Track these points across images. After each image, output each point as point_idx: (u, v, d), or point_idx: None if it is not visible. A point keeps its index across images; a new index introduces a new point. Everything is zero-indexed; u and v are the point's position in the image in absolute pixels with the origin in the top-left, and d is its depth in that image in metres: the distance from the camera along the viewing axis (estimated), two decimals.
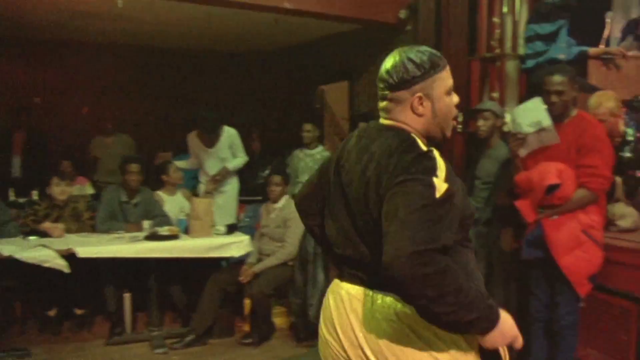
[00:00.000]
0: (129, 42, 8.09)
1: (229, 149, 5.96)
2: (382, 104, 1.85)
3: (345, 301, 1.83)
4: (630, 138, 3.95)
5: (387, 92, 1.82)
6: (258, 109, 8.83)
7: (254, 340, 4.77)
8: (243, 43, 8.24)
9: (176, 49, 8.51)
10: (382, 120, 1.86)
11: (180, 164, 5.91)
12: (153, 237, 4.75)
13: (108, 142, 7.09)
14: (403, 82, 1.78)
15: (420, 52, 1.80)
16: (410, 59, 1.78)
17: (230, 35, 7.59)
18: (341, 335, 1.84)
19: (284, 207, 4.97)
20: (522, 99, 4.87)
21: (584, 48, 4.92)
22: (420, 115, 1.80)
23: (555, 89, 3.40)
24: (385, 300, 1.74)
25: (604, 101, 3.87)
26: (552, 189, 3.31)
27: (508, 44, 5.21)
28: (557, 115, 3.44)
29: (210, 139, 5.91)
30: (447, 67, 1.82)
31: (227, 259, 5.09)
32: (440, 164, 1.67)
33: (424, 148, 1.70)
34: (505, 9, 5.19)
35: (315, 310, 4.61)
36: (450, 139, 5.88)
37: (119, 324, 4.88)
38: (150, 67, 8.47)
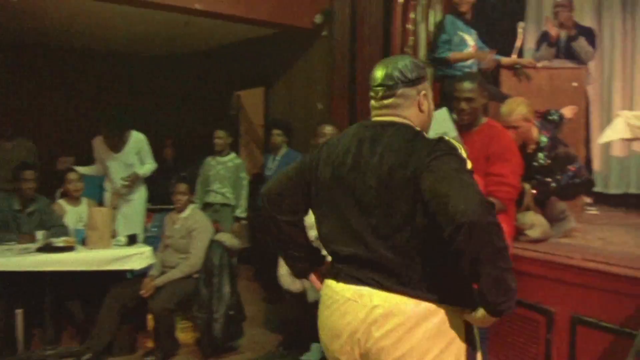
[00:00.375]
0: (33, 41, 7.65)
1: (137, 155, 5.63)
2: (387, 101, 1.96)
3: (353, 303, 1.84)
4: (544, 144, 3.92)
5: (397, 89, 1.95)
6: (172, 115, 8.52)
7: (157, 357, 4.49)
8: (155, 46, 7.95)
9: (85, 50, 8.12)
10: (383, 118, 1.98)
11: (83, 169, 5.55)
12: (46, 248, 4.40)
13: (7, 147, 6.63)
14: (418, 78, 1.97)
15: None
16: (413, 61, 2.01)
17: (141, 37, 7.30)
18: (353, 338, 1.85)
19: (189, 216, 4.72)
20: (436, 107, 4.83)
21: (497, 57, 4.93)
22: (422, 112, 2.00)
23: (465, 95, 3.34)
24: (402, 299, 1.78)
25: (516, 107, 3.84)
26: None
27: (422, 51, 5.17)
28: (467, 123, 3.37)
29: (117, 143, 5.57)
30: None
31: (132, 272, 4.79)
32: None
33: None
34: (419, 17, 5.15)
35: (221, 325, 4.38)
36: None
37: (10, 342, 4.49)
38: (57, 68, 8.04)
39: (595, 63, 6.06)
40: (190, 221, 4.67)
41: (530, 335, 3.31)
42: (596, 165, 6.19)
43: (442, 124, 3.34)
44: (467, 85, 3.35)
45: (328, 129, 4.60)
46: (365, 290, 1.83)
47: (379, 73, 2.00)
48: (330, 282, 1.96)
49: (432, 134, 3.39)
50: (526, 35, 6.17)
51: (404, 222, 1.78)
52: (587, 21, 6.16)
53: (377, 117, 1.99)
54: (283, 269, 4.19)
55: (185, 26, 6.20)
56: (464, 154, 1.82)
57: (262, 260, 5.81)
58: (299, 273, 2.24)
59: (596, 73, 6.19)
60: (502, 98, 4.64)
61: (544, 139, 3.93)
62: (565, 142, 4.09)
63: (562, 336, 3.14)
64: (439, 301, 1.78)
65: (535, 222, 3.76)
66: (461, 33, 4.85)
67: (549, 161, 3.89)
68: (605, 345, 3.01)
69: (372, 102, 2.02)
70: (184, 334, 4.83)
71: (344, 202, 1.90)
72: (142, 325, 4.78)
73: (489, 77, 4.95)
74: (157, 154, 5.90)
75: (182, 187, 4.77)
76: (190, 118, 8.46)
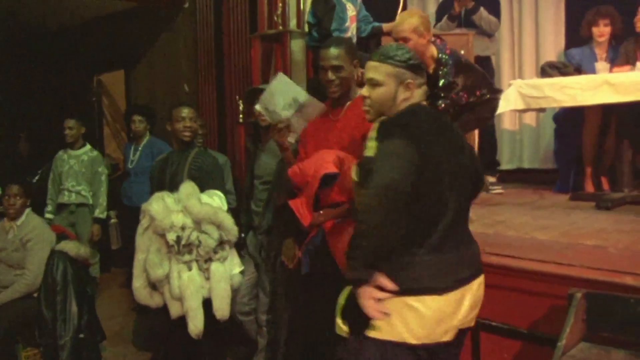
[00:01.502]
0: None
1: None
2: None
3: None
4: (448, 61, 3.43)
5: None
6: (26, 105, 7.54)
7: None
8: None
9: None
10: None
11: None
12: None
13: None
14: None
15: None
16: None
17: None
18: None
19: (23, 224, 3.96)
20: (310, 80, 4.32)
21: (377, 24, 4.46)
22: None
23: (331, 63, 2.81)
24: None
25: (408, 17, 3.33)
26: (329, 180, 2.68)
27: (292, 20, 4.62)
28: (338, 96, 2.85)
29: None
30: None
31: None
32: None
33: None
34: None
35: (68, 352, 3.67)
36: (230, 131, 5.28)
37: None
38: None
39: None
40: (25, 230, 3.92)
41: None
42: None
43: (287, 91, 2.82)
44: (333, 51, 2.82)
45: (185, 112, 3.94)
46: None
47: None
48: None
49: (281, 102, 2.89)
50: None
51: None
52: None
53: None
54: (138, 281, 3.52)
55: None
56: None
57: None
58: None
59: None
60: None
61: (444, 56, 3.45)
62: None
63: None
64: None
65: None
66: (344, 0, 4.32)
67: (456, 79, 3.43)
68: (513, 353, 2.61)
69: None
70: None
71: (465, 182, 2.15)
72: None
73: (371, 47, 4.50)
74: (11, 150, 5.08)
75: (15, 189, 4.00)
76: (47, 108, 7.52)
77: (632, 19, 4.55)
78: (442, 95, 3.45)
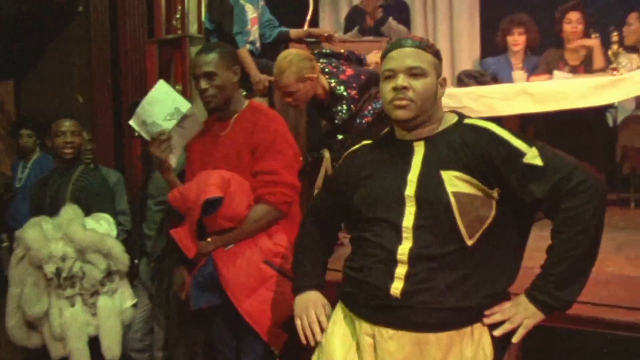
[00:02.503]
0: None
1: None
2: None
3: None
4: (343, 93, 3.18)
5: None
6: None
7: None
8: None
9: None
10: None
11: None
12: None
13: None
14: None
15: None
16: None
17: None
18: None
19: None
20: None
21: (284, 29, 4.19)
22: None
23: (203, 70, 2.45)
24: None
25: (286, 67, 3.03)
26: (213, 205, 2.37)
27: (193, 25, 4.29)
28: (214, 107, 2.52)
29: None
30: (390, 53, 1.80)
31: None
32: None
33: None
34: None
35: None
36: (127, 146, 4.89)
37: None
38: None
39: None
40: None
41: None
42: None
43: (167, 100, 2.49)
44: (204, 57, 2.46)
45: (66, 125, 3.52)
46: None
47: None
48: None
49: (161, 112, 2.54)
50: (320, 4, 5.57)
51: None
52: None
53: None
54: (13, 320, 3.09)
55: None
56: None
57: None
58: None
59: None
60: None
61: (339, 88, 3.18)
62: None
63: None
64: None
65: None
66: (242, 1, 4.00)
67: (346, 115, 3.20)
68: None
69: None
70: None
71: None
72: None
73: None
74: None
75: None
76: None
77: (548, 27, 4.52)
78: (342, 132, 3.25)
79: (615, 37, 4.43)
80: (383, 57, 1.83)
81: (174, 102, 2.48)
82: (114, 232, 3.20)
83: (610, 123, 4.46)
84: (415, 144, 1.80)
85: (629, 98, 3.96)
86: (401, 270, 1.68)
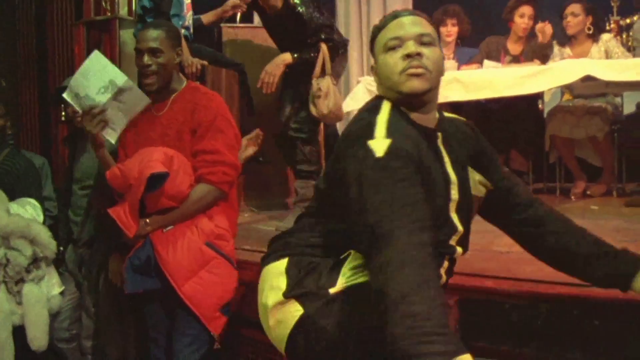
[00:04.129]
0: None
1: None
2: None
3: None
4: None
5: None
6: None
7: None
8: None
9: None
10: None
11: None
12: None
13: None
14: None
15: None
16: None
17: None
18: None
19: None
20: None
21: (197, 17, 4.09)
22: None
23: (149, 45, 2.42)
24: None
25: None
26: (157, 182, 2.30)
27: (123, 8, 4.15)
28: (155, 86, 2.46)
29: None
30: (390, 23, 1.59)
31: None
32: None
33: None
34: None
35: None
36: (54, 130, 4.71)
37: None
38: None
39: None
40: None
41: None
42: None
43: (102, 72, 2.38)
44: (151, 32, 2.44)
45: None
46: None
47: None
48: None
49: (95, 85, 2.43)
50: None
51: None
52: None
53: None
54: None
55: None
56: None
57: None
58: None
59: None
60: (228, 63, 3.86)
61: None
62: None
63: None
64: None
65: None
66: None
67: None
68: None
69: None
70: None
71: None
72: None
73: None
74: None
75: None
76: None
77: (479, 19, 4.63)
78: (323, 36, 3.25)
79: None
80: (378, 31, 1.63)
81: (109, 75, 2.38)
82: (40, 218, 3.11)
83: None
84: (439, 134, 1.61)
85: (558, 88, 4.12)
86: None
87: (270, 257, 1.74)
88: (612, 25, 4.63)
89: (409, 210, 1.33)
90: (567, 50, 4.29)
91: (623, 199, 3.95)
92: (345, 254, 1.56)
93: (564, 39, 4.34)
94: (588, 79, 3.54)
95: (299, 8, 3.26)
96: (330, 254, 1.59)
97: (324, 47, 3.28)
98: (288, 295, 1.58)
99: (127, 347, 2.89)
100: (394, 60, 1.54)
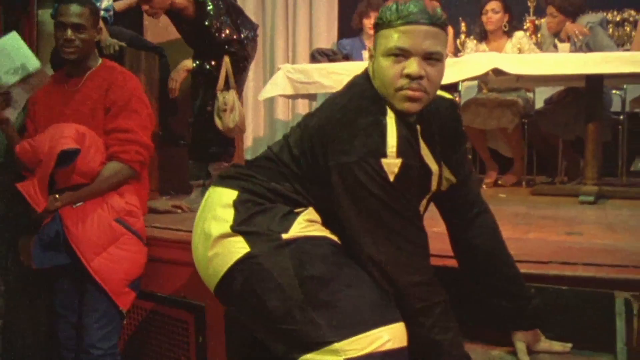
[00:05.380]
0: None
1: None
2: None
3: None
4: None
5: None
6: None
7: None
8: None
9: None
10: None
11: None
12: None
13: None
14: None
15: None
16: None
17: None
18: None
19: None
20: None
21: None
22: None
23: (72, 20, 2.44)
24: None
25: None
26: (68, 158, 2.30)
27: None
28: (75, 60, 2.49)
29: None
30: (402, 27, 1.46)
31: None
32: None
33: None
34: None
35: None
36: None
37: None
38: None
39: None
40: None
41: (178, 340, 2.51)
42: (261, 131, 5.82)
43: (16, 54, 2.37)
44: (75, 8, 2.46)
45: None
46: None
47: None
48: None
49: (5, 65, 2.36)
50: None
51: None
52: None
53: None
54: None
55: None
56: None
57: None
58: None
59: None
60: (147, 47, 3.84)
61: None
62: None
63: (218, 336, 2.39)
64: None
65: None
66: None
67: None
68: None
69: None
70: None
71: None
72: None
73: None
74: None
75: None
76: None
77: None
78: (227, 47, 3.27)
79: (464, 27, 4.77)
80: (385, 26, 1.51)
81: (22, 58, 2.35)
82: None
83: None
84: (418, 127, 1.59)
85: (471, 81, 4.27)
86: None
87: (223, 180, 1.68)
88: (528, 25, 4.86)
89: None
90: (483, 46, 4.47)
91: (531, 189, 4.15)
92: (303, 208, 1.56)
93: (481, 34, 4.52)
94: (500, 73, 3.70)
95: (206, 21, 3.28)
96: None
97: (226, 59, 3.32)
98: (236, 229, 1.53)
99: (38, 324, 2.85)
100: (394, 74, 1.48)
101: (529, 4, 4.83)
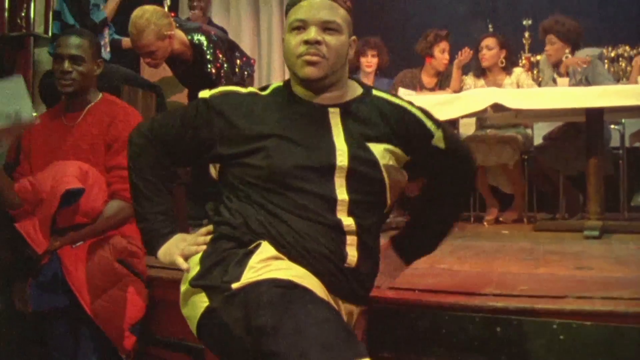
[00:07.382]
0: None
1: None
2: None
3: None
4: (203, 41, 3.27)
5: None
6: None
7: None
8: None
9: None
10: None
11: None
12: None
13: None
14: None
15: None
16: None
17: None
18: None
19: None
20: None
21: (117, 37, 4.05)
22: None
23: (70, 52, 2.40)
24: None
25: (142, 31, 3.06)
26: (71, 198, 2.23)
27: (40, 25, 4.07)
28: (72, 93, 2.44)
29: None
30: (299, 2, 1.59)
31: None
32: None
33: None
34: None
35: None
36: None
37: None
38: None
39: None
40: None
41: None
42: None
43: (16, 98, 2.28)
44: (74, 39, 2.43)
45: None
46: None
47: None
48: None
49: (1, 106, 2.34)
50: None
51: None
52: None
53: None
54: None
55: None
56: None
57: None
58: None
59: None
60: (144, 85, 3.81)
61: (198, 37, 3.26)
62: None
63: None
64: None
65: None
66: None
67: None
68: None
69: None
70: None
71: None
72: None
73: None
74: None
75: None
76: None
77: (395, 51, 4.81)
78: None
79: None
80: (289, 7, 1.63)
81: (19, 105, 2.27)
82: None
83: None
84: (330, 110, 1.63)
85: (469, 117, 4.26)
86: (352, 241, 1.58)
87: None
88: (524, 62, 4.91)
89: None
90: (481, 82, 4.49)
91: (533, 225, 4.10)
92: (255, 244, 1.53)
93: (479, 70, 4.54)
94: (499, 109, 3.69)
95: (206, 67, 3.27)
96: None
97: None
98: (194, 284, 1.53)
99: None
100: (295, 43, 1.58)
101: (524, 41, 4.87)
